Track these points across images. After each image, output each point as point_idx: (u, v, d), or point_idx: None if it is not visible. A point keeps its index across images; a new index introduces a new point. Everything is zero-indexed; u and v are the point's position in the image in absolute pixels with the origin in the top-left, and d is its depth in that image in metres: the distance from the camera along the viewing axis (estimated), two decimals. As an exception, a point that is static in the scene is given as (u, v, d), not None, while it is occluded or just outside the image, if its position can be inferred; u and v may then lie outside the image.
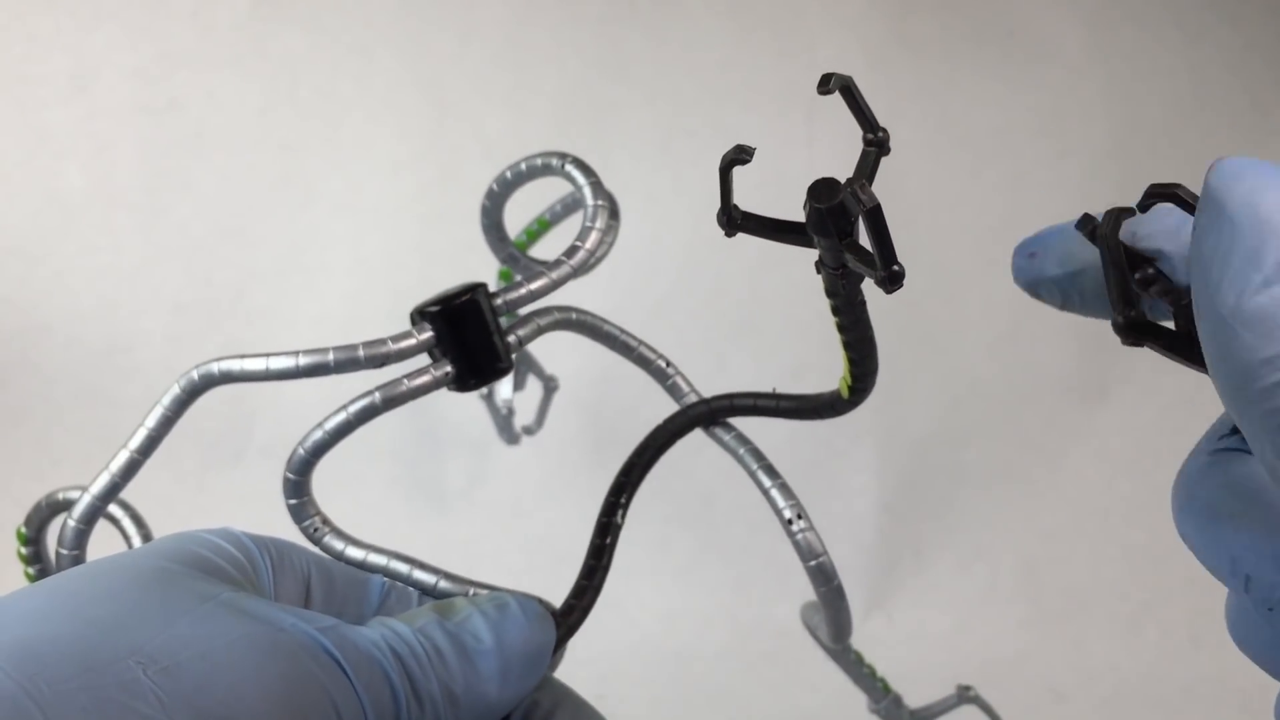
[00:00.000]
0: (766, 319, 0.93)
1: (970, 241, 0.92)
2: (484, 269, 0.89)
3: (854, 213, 0.23)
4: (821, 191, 0.23)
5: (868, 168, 0.25)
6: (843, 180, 0.24)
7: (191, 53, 0.92)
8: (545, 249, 0.47)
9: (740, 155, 0.25)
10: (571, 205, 0.47)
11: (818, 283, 0.27)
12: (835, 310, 0.28)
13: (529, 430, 0.59)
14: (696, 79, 0.94)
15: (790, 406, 0.36)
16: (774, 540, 0.87)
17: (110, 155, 0.92)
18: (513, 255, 0.46)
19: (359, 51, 0.93)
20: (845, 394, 0.33)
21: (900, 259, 0.23)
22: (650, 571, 0.83)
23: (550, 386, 0.59)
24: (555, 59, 0.94)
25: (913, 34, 0.95)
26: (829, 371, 1.09)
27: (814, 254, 0.26)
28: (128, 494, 0.35)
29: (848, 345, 0.30)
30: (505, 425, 0.57)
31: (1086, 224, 0.23)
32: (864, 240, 0.23)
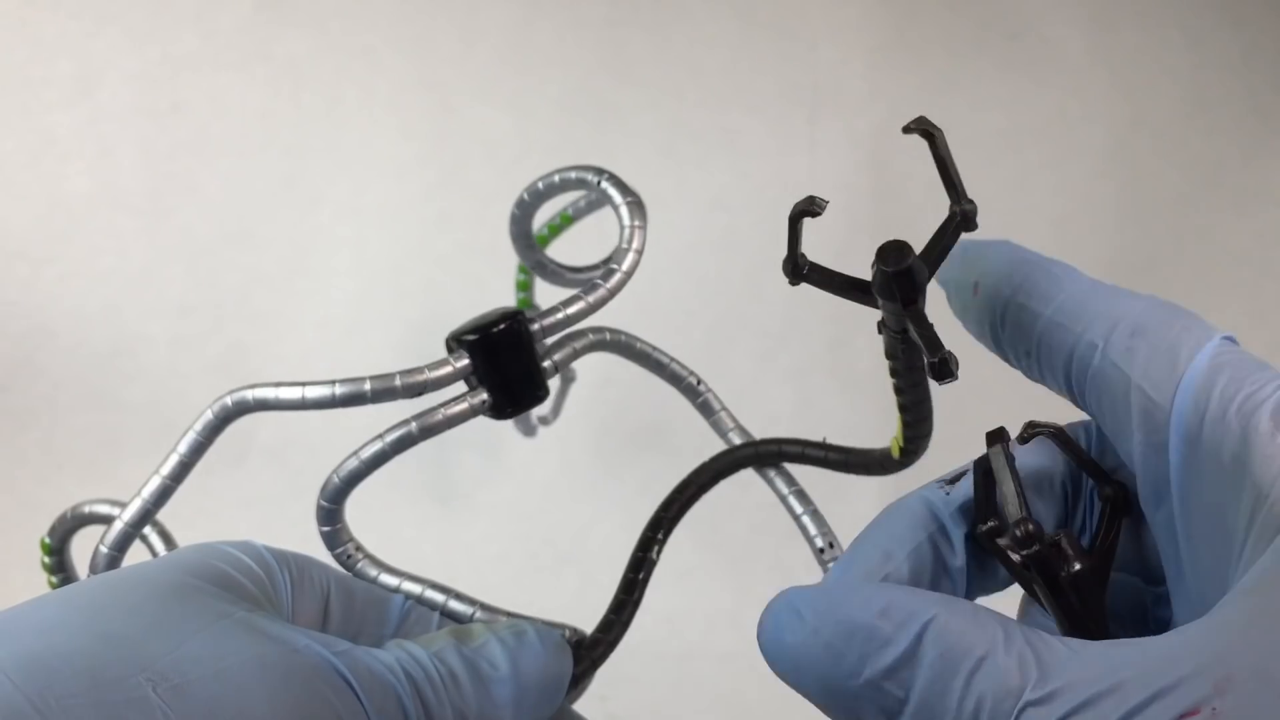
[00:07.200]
0: (768, 320, 0.93)
1: (973, 243, 0.92)
2: (488, 271, 0.89)
3: (921, 282, 0.23)
4: (890, 254, 0.23)
5: (945, 238, 0.25)
6: (908, 236, 0.23)
7: (195, 56, 0.92)
8: (567, 243, 0.47)
9: (811, 206, 0.24)
10: (595, 202, 0.47)
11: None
12: (893, 372, 0.28)
13: (545, 421, 0.58)
14: (700, 81, 0.95)
15: (839, 459, 0.35)
16: (777, 542, 0.87)
17: (114, 158, 0.92)
18: (541, 263, 0.45)
19: (363, 54, 0.93)
20: (896, 454, 0.32)
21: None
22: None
23: (568, 378, 0.58)
24: (559, 61, 0.94)
25: (915, 36, 0.95)
26: (831, 373, 1.09)
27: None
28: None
29: (903, 408, 0.29)
30: (522, 417, 0.56)
31: (993, 440, 0.26)
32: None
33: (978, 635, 0.21)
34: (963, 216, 0.25)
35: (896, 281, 0.23)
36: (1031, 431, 0.26)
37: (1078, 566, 0.24)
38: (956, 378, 0.23)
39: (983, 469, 0.26)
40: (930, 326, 0.23)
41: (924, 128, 0.24)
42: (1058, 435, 0.26)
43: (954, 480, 0.28)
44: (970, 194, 0.25)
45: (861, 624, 0.22)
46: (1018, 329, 0.27)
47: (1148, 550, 0.27)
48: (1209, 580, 0.23)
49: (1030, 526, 0.24)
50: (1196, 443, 0.23)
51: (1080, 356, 0.25)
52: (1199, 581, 0.23)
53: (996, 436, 0.26)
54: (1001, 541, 0.24)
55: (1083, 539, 0.27)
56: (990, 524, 0.26)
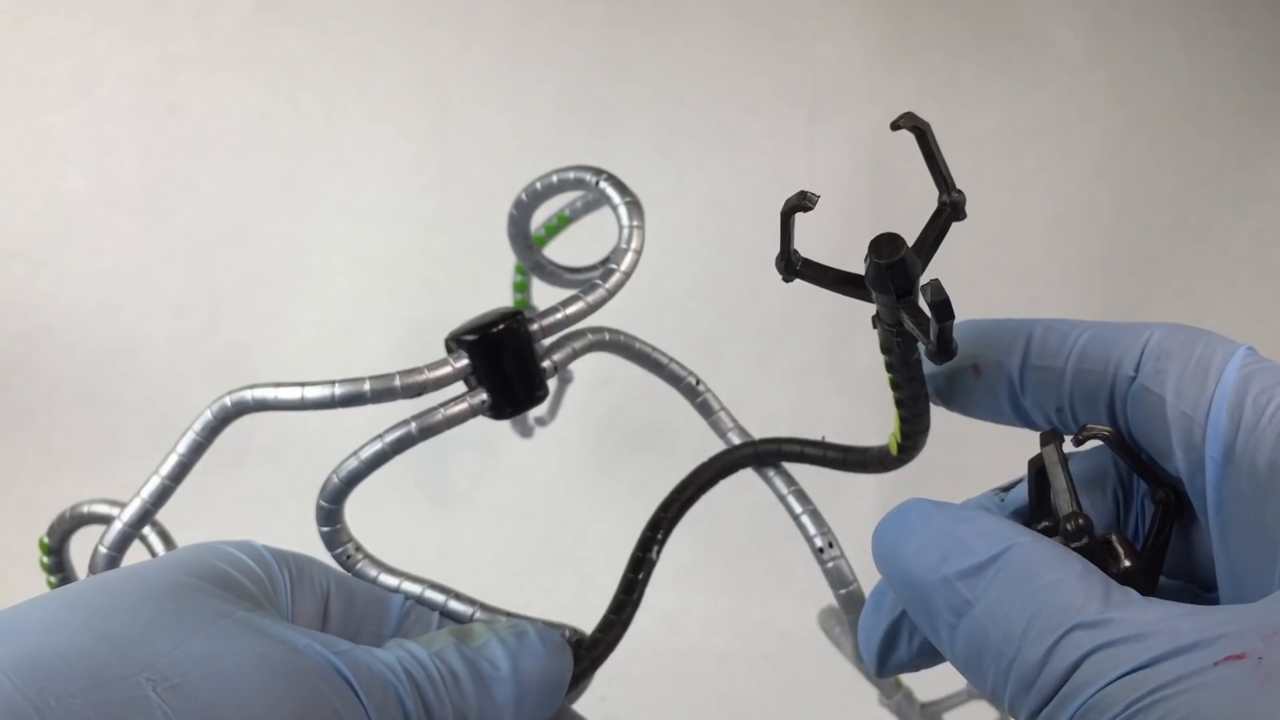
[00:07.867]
0: (766, 320, 0.93)
1: (971, 243, 0.92)
2: (484, 270, 0.89)
3: (915, 274, 0.23)
4: (883, 246, 0.23)
5: (936, 229, 0.25)
6: (906, 235, 0.23)
7: (193, 56, 0.92)
8: (565, 243, 0.47)
9: (803, 201, 0.24)
10: (593, 203, 0.47)
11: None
12: (889, 367, 0.27)
13: (542, 421, 0.58)
14: (698, 80, 0.95)
15: (837, 458, 0.35)
16: (775, 542, 0.87)
17: (112, 158, 0.92)
18: (539, 263, 0.45)
19: (360, 54, 0.93)
20: (894, 451, 0.32)
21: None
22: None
23: (565, 379, 0.58)
24: (557, 61, 0.94)
25: (914, 36, 0.95)
26: (829, 372, 1.08)
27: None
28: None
29: (900, 403, 0.29)
30: (519, 418, 0.56)
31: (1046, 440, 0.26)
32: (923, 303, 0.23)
33: (1056, 565, 0.22)
34: (951, 206, 0.25)
35: (890, 273, 0.23)
36: (1086, 434, 0.26)
37: (1128, 564, 0.24)
38: (954, 356, 0.23)
39: (1036, 468, 0.26)
40: (925, 317, 0.23)
41: (913, 122, 0.24)
42: (1112, 437, 0.26)
43: (1009, 488, 0.29)
44: (968, 195, 0.25)
45: (953, 533, 0.24)
46: (1042, 390, 0.27)
47: (1198, 556, 0.27)
48: (1253, 582, 0.23)
49: (1081, 520, 0.24)
50: (1233, 452, 0.24)
51: (1119, 390, 0.26)
52: (1243, 584, 0.24)
53: (1050, 436, 0.26)
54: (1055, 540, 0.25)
55: (1136, 543, 0.27)
56: (1044, 524, 0.26)
